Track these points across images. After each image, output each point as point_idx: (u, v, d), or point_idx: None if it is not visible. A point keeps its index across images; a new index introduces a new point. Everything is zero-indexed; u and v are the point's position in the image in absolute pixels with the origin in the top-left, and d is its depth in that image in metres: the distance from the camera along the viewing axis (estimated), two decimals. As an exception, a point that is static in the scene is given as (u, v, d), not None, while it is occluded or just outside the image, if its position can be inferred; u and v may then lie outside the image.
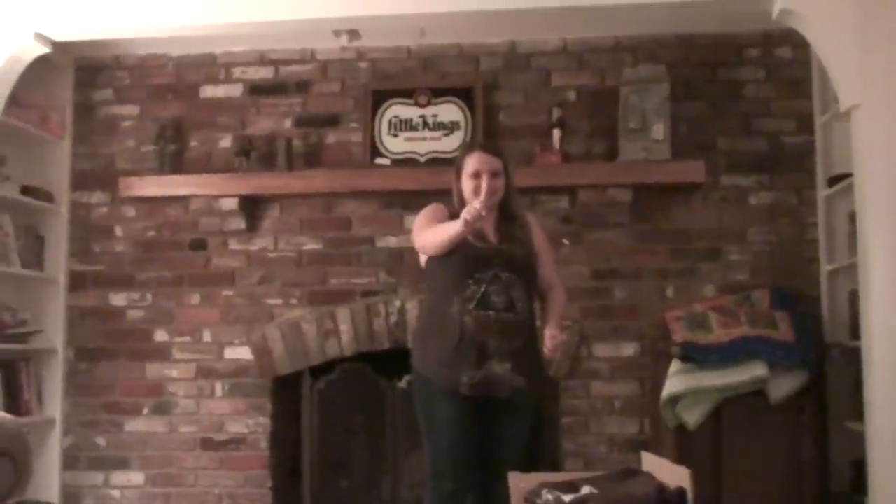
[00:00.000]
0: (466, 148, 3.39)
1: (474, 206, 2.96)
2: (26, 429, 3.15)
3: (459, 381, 3.12)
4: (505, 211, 3.31)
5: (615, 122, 4.40)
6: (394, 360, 4.30)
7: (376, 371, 4.58)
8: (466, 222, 2.95)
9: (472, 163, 3.25)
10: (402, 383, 4.47)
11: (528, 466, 3.00)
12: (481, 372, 3.10)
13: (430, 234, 3.23)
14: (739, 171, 4.45)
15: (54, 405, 4.60)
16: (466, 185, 3.26)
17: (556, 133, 4.41)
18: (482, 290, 3.13)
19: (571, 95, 4.57)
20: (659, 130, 4.31)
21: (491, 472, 3.16)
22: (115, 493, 4.60)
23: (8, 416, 2.93)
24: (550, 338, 3.15)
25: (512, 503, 2.38)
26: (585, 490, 2.15)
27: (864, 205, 3.62)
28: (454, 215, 3.21)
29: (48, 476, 4.52)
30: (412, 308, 4.44)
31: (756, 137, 4.47)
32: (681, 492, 2.01)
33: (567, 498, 2.11)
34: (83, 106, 4.81)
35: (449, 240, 3.10)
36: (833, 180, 4.19)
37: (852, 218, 3.88)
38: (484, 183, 3.20)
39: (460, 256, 3.17)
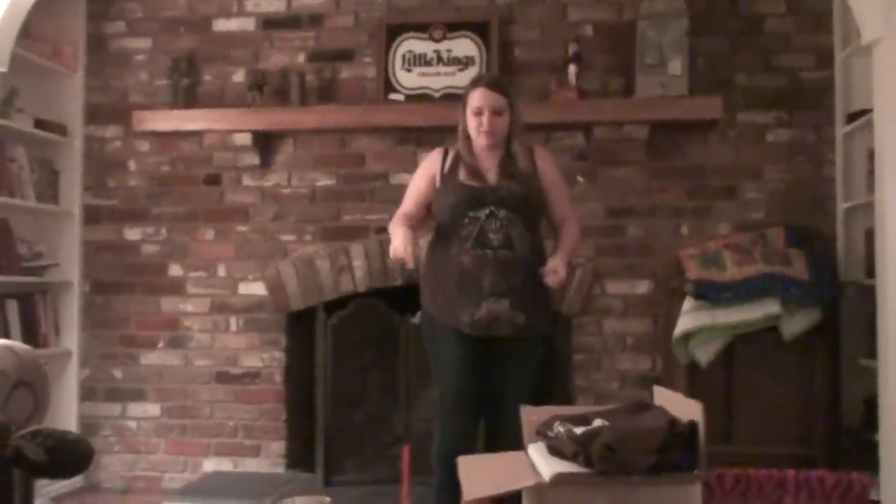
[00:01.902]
0: (472, 84, 3.34)
1: (399, 255, 3.05)
2: (44, 360, 3.18)
3: (460, 319, 3.16)
4: (509, 148, 3.28)
5: (632, 57, 4.34)
6: (407, 296, 4.30)
7: (389, 307, 4.60)
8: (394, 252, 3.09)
9: (475, 99, 3.23)
10: (415, 319, 4.47)
11: (536, 402, 3.00)
12: (480, 310, 3.13)
13: (394, 220, 3.30)
14: (757, 108, 4.40)
15: (71, 338, 4.65)
16: (470, 121, 3.25)
17: (572, 69, 4.35)
18: (478, 228, 3.15)
19: (588, 30, 4.51)
20: (676, 66, 4.25)
21: (497, 408, 3.19)
22: (132, 424, 4.67)
23: (26, 346, 2.95)
24: (550, 270, 3.16)
25: (524, 435, 2.39)
26: (597, 423, 2.16)
27: (883, 141, 3.57)
28: (456, 159, 3.27)
29: (66, 407, 4.58)
30: (425, 245, 4.42)
31: (775, 73, 4.41)
32: (692, 425, 2.01)
33: (579, 430, 2.12)
34: (96, 38, 4.77)
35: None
36: (852, 117, 4.14)
37: (871, 155, 3.83)
38: (485, 120, 3.20)
39: (456, 197, 3.20)
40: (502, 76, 3.35)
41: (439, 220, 3.29)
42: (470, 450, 3.06)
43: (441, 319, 3.23)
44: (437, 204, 3.30)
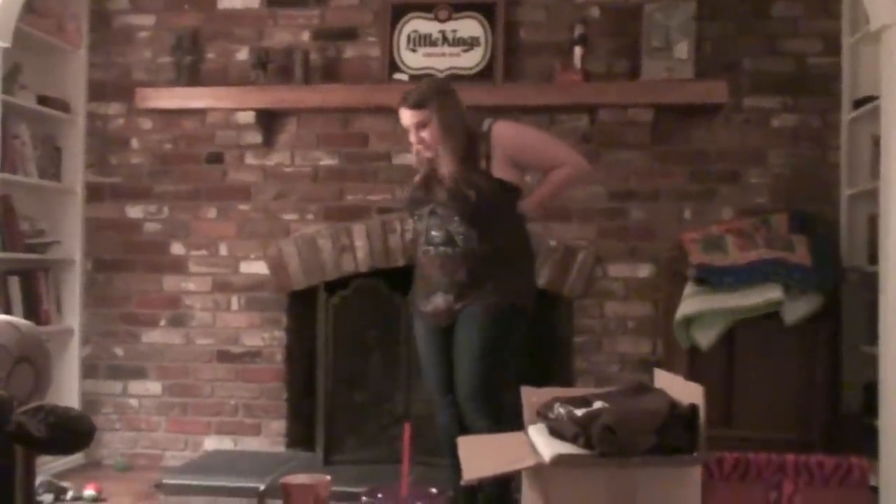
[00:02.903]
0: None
1: None
2: (45, 337, 3.18)
3: (422, 308, 3.35)
4: (457, 150, 3.26)
5: (638, 40, 4.33)
6: (408, 277, 4.29)
7: (391, 287, 4.59)
8: None
9: (402, 120, 3.31)
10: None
11: (485, 379, 3.18)
12: (431, 304, 3.30)
13: None
14: (763, 93, 4.38)
15: (73, 315, 4.66)
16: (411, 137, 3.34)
17: (578, 51, 4.34)
18: (424, 226, 3.30)
19: (594, 12, 4.48)
20: (682, 49, 4.24)
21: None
22: (133, 401, 4.68)
23: (28, 322, 2.96)
24: (523, 205, 3.30)
25: (524, 417, 2.40)
26: (598, 405, 2.16)
27: (889, 128, 3.55)
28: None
29: (68, 384, 4.59)
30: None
31: (781, 58, 4.39)
32: (693, 408, 2.01)
33: (579, 412, 2.12)
34: (99, 14, 4.75)
35: None
36: (858, 103, 4.13)
37: (876, 142, 3.82)
38: (412, 138, 3.29)
39: (408, 196, 3.41)
40: (422, 87, 3.33)
41: None
42: (459, 425, 3.22)
43: (413, 303, 3.45)
44: None
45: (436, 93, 3.29)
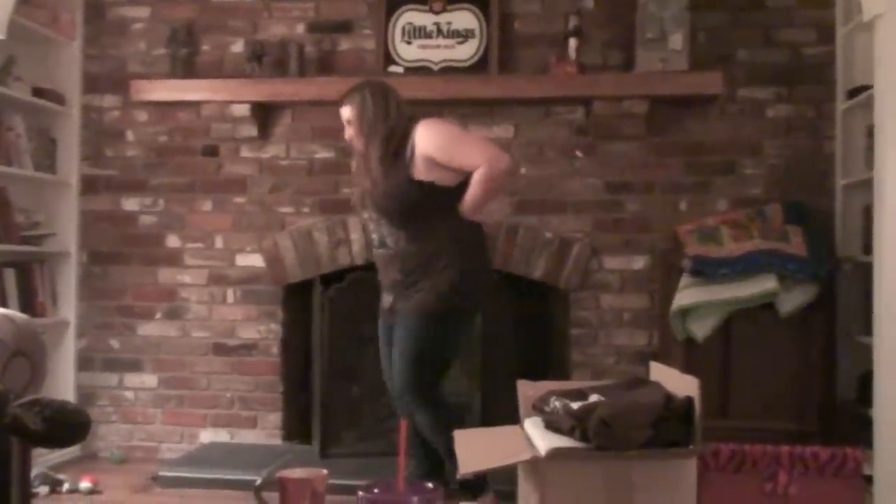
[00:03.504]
0: None
1: None
2: (41, 329, 3.18)
3: (380, 307, 3.52)
4: (378, 152, 3.30)
5: (633, 31, 4.32)
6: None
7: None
8: None
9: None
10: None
11: (417, 375, 3.30)
12: (382, 302, 3.48)
13: None
14: (757, 83, 4.39)
15: (69, 308, 4.65)
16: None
17: (573, 42, 4.33)
18: (371, 228, 3.47)
19: (588, 3, 4.48)
20: (677, 40, 4.24)
21: None
22: (129, 394, 4.68)
23: (23, 315, 2.95)
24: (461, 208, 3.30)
25: (520, 410, 2.40)
26: (594, 398, 2.16)
27: (883, 117, 3.56)
28: None
29: (64, 376, 4.59)
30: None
31: (776, 49, 4.39)
32: (689, 401, 2.02)
33: (575, 405, 2.12)
34: (94, 6, 4.74)
35: None
36: (852, 93, 4.13)
37: (870, 132, 3.82)
38: (345, 134, 3.42)
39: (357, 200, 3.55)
40: (357, 84, 3.39)
41: None
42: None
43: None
44: None
45: (362, 92, 3.35)
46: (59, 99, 4.58)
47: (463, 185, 3.25)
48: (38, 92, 4.46)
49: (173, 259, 4.68)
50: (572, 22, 4.34)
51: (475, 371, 4.38)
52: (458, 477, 2.24)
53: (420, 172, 3.24)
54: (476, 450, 2.25)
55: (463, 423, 3.22)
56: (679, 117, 4.40)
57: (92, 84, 4.73)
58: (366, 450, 4.33)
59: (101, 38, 4.74)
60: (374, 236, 3.41)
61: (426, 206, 3.27)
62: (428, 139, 3.25)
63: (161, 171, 4.69)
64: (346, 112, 3.37)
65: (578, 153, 4.43)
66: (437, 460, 3.36)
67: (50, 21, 4.51)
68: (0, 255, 4.22)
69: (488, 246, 3.63)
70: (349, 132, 3.39)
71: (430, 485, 1.91)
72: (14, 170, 4.30)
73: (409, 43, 4.51)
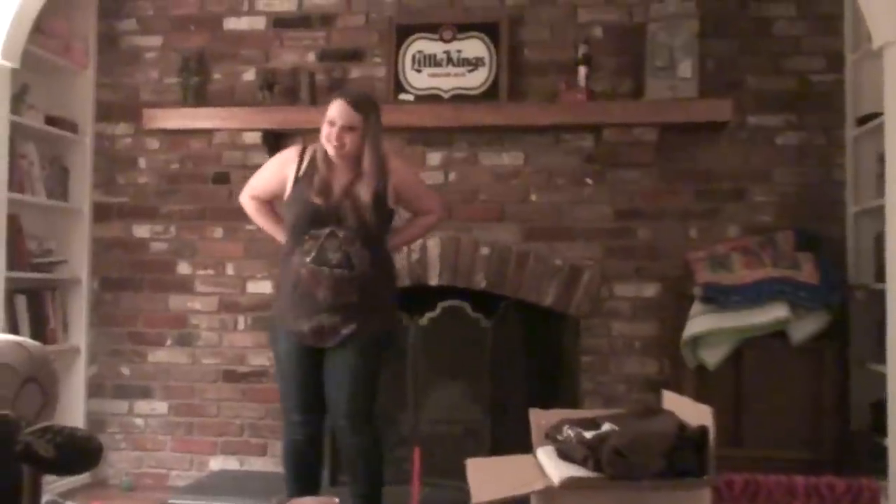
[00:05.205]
0: (336, 94, 3.39)
1: None
2: (52, 356, 3.18)
3: (294, 326, 3.30)
4: (357, 167, 3.30)
5: (642, 59, 4.33)
6: (414, 297, 4.30)
7: (397, 307, 4.59)
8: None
9: (332, 110, 3.28)
10: (423, 320, 4.48)
11: (367, 399, 3.30)
12: (312, 322, 3.26)
13: (254, 209, 3.56)
14: (767, 111, 4.39)
15: (79, 334, 4.66)
16: (323, 128, 3.30)
17: (582, 70, 4.34)
18: (318, 246, 3.25)
19: (598, 32, 4.50)
20: (686, 68, 4.25)
21: (330, 407, 3.35)
22: (139, 421, 4.68)
23: (35, 342, 2.96)
24: (390, 241, 3.43)
25: (533, 439, 2.40)
26: (606, 427, 2.16)
27: (893, 144, 3.56)
28: (312, 162, 3.34)
29: (74, 403, 4.60)
30: (433, 246, 4.45)
31: (785, 76, 4.40)
32: (702, 430, 2.01)
33: (588, 434, 2.12)
34: (107, 36, 4.78)
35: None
36: (862, 120, 4.13)
37: (881, 159, 3.82)
38: (334, 132, 3.25)
39: (300, 212, 3.30)
40: (366, 93, 3.40)
41: (286, 226, 3.42)
42: (313, 445, 3.40)
43: (280, 323, 3.37)
44: (283, 209, 3.42)
45: (375, 108, 3.35)
46: (71, 127, 4.62)
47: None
48: (50, 120, 4.50)
49: (184, 286, 4.69)
50: (581, 50, 4.36)
51: (485, 398, 4.37)
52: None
53: (389, 199, 3.35)
54: (489, 478, 2.25)
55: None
56: (689, 145, 4.41)
57: (104, 112, 4.77)
58: (376, 478, 4.31)
59: (114, 66, 4.78)
60: (332, 256, 3.23)
61: (386, 233, 3.41)
62: (406, 171, 3.49)
63: (172, 198, 4.71)
64: (352, 118, 3.25)
65: (588, 180, 4.44)
66: (378, 482, 3.43)
67: (63, 50, 4.55)
68: (12, 282, 4.23)
69: None
70: (347, 137, 3.24)
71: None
72: (27, 197, 4.32)
73: (419, 71, 4.53)
